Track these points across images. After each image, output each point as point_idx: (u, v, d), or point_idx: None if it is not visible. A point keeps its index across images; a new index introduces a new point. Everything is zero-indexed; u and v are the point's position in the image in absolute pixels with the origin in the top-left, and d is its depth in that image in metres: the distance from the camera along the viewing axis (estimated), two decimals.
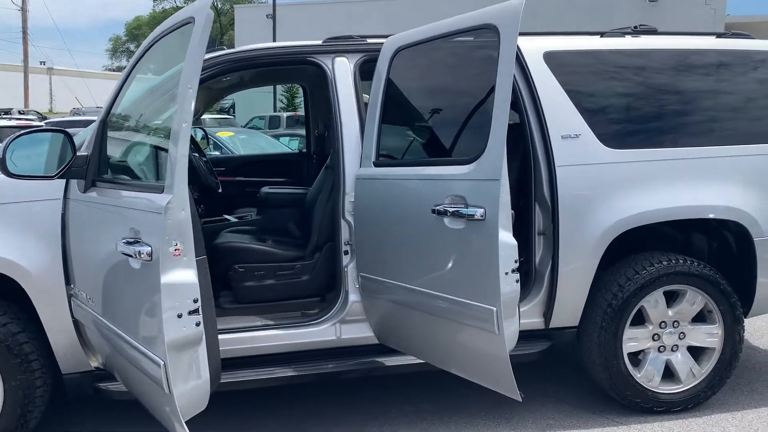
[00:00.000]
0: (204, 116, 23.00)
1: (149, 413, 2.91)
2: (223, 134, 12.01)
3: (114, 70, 65.31)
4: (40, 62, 50.03)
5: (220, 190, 4.49)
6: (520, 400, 2.91)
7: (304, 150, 5.77)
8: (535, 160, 3.55)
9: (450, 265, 3.03)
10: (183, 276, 2.39)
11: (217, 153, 11.30)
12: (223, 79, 4.64)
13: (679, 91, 3.77)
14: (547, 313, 3.63)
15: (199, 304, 2.41)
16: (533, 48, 3.67)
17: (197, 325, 2.41)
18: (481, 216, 2.81)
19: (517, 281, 2.84)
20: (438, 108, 3.76)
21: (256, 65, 3.82)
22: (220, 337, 3.35)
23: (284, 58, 3.76)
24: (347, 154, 3.52)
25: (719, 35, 4.06)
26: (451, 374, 3.32)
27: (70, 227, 3.15)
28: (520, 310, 3.55)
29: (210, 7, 2.37)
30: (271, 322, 3.56)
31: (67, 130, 3.07)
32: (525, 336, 3.61)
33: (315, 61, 3.64)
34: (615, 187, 3.57)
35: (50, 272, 3.14)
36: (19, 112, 30.28)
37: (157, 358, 2.43)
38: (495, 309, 2.81)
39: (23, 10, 40.51)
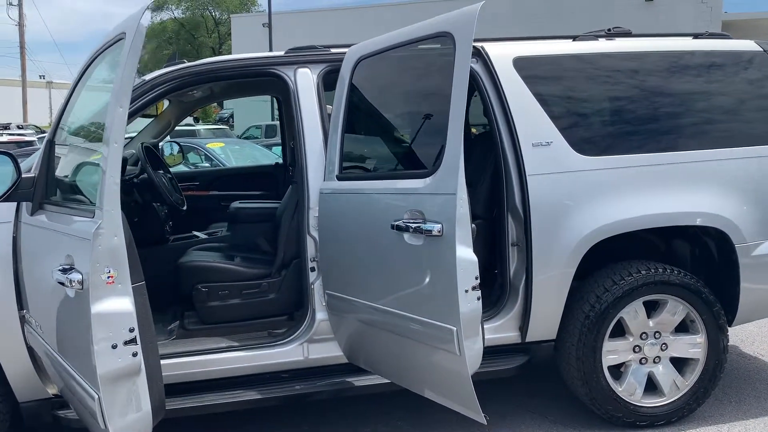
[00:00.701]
0: (199, 127, 23.06)
1: None
2: (214, 145, 11.93)
3: None
4: (40, 76, 50.31)
5: (184, 207, 4.37)
6: (485, 422, 2.78)
7: (280, 162, 5.65)
8: (506, 169, 3.43)
9: (411, 283, 2.91)
10: (117, 305, 2.27)
11: (207, 165, 11.22)
12: (191, 92, 4.56)
13: (656, 94, 3.63)
14: (523, 327, 3.51)
15: (136, 333, 2.29)
16: (502, 54, 3.55)
17: (134, 355, 2.29)
18: (439, 232, 2.69)
19: (478, 299, 2.71)
20: (400, 119, 3.65)
21: (217, 78, 3.70)
22: (182, 360, 3.27)
23: (245, 70, 3.65)
24: (311, 168, 3.40)
25: (696, 36, 3.93)
26: None
27: (22, 251, 3.05)
28: (496, 324, 3.46)
29: (140, 21, 2.26)
30: (237, 344, 3.45)
31: (10, 151, 2.96)
32: (502, 351, 3.53)
33: (276, 73, 3.54)
34: (589, 196, 3.45)
35: (1, 297, 3.03)
36: (18, 127, 30.34)
37: (92, 391, 2.32)
38: (455, 329, 2.69)
39: (20, 24, 40.64)
